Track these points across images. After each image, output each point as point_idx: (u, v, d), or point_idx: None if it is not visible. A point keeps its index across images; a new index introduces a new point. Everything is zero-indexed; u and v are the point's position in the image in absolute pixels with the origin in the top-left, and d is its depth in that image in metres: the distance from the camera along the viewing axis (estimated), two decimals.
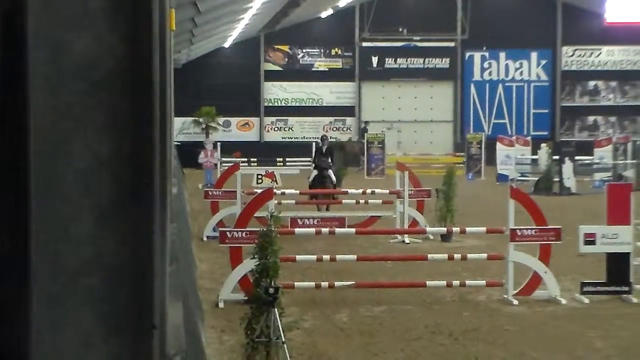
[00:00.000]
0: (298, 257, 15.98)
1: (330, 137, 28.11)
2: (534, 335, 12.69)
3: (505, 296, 14.99)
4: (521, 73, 60.83)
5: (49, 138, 2.36)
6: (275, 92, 59.66)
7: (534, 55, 60.59)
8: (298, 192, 23.60)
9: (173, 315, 5.41)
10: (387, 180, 38.92)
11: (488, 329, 12.98)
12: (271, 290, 10.22)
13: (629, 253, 15.16)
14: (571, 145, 39.83)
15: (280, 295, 10.40)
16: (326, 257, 16.33)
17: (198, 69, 56.06)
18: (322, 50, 59.74)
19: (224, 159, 40.59)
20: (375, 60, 59.93)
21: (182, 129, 55.98)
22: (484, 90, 60.50)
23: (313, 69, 59.75)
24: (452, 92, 60.81)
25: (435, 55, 60.09)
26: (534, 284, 15.13)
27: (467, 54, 60.35)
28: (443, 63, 60.29)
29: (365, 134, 52.07)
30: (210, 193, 23.59)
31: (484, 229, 17.29)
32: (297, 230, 18.63)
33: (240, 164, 26.07)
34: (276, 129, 59.73)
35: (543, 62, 60.68)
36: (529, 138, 45.46)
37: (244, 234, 14.35)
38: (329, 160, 26.93)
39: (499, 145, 43.03)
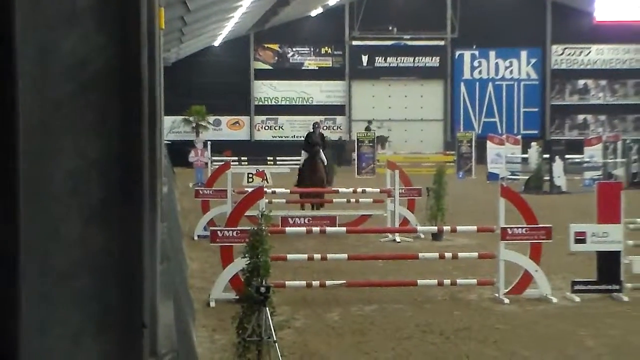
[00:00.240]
0: (289, 256, 15.97)
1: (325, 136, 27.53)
2: (525, 334, 12.70)
3: (496, 295, 14.99)
4: (511, 72, 60.95)
5: (38, 138, 2.35)
6: (266, 90, 59.67)
7: (523, 53, 60.72)
8: (289, 191, 23.58)
9: (164, 315, 5.40)
10: (377, 179, 38.93)
11: (479, 328, 12.97)
12: (262, 290, 10.21)
13: (619, 251, 15.17)
14: (561, 143, 39.87)
15: (271, 294, 10.38)
16: (317, 256, 16.31)
17: (188, 67, 56.05)
18: (312, 49, 59.78)
19: (214, 158, 40.56)
20: (365, 59, 60.00)
21: (172, 127, 55.96)
22: (474, 89, 60.61)
23: (303, 68, 59.78)
24: (442, 90, 60.90)
25: (425, 54, 60.17)
26: (525, 282, 15.14)
27: (457, 53, 60.45)
28: (433, 62, 60.38)
29: (369, 132, 52.50)
30: (200, 192, 23.56)
31: (474, 227, 17.29)
32: (288, 229, 18.62)
33: (231, 163, 26.04)
34: (266, 127, 59.75)
35: (533, 60, 60.82)
36: (519, 137, 45.52)
37: (234, 233, 14.32)
38: (319, 147, 26.35)
39: (489, 144, 43.08)
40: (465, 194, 33.15)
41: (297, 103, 59.41)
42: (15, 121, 2.32)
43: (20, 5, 2.29)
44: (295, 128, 59.18)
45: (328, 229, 18.35)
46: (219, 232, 14.69)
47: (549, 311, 14.27)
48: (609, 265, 15.12)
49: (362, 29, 58.69)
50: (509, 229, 14.97)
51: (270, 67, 59.78)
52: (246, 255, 11.13)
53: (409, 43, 59.89)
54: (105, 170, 2.41)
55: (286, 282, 14.87)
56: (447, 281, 15.46)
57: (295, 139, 55.21)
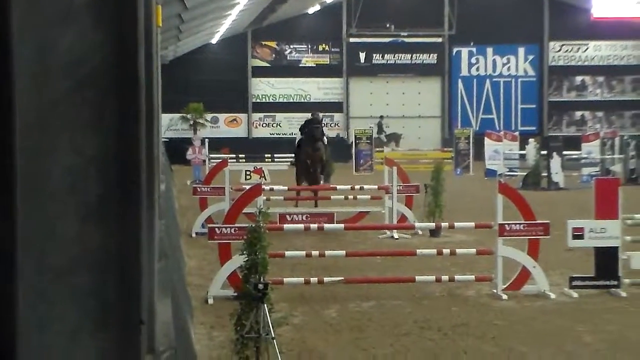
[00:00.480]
0: (287, 253, 15.98)
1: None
2: (523, 330, 12.71)
3: (494, 291, 15.01)
4: (508, 68, 60.93)
5: (35, 135, 2.35)
6: (263, 88, 59.64)
7: (521, 50, 60.70)
8: (286, 188, 23.57)
9: (162, 312, 5.40)
10: (375, 175, 38.94)
11: (477, 324, 12.99)
12: (260, 286, 10.22)
13: (617, 247, 15.19)
14: (559, 140, 39.87)
15: (269, 291, 10.39)
16: (315, 252, 16.32)
17: (185, 65, 56.01)
18: (309, 46, 59.74)
19: (212, 155, 40.53)
20: (362, 56, 59.97)
21: (169, 125, 55.92)
22: (472, 86, 60.59)
23: (300, 65, 59.75)
24: (440, 87, 60.88)
25: (422, 50, 60.15)
26: (523, 278, 15.15)
27: (455, 50, 60.44)
28: (430, 59, 60.36)
29: (383, 128, 52.65)
30: (198, 189, 23.56)
31: (472, 224, 17.30)
32: (285, 226, 18.62)
33: (229, 160, 26.03)
34: (264, 125, 59.71)
35: (530, 57, 60.80)
36: (516, 133, 45.49)
37: (232, 230, 14.33)
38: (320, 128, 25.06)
39: (487, 141, 43.06)
40: (463, 191, 33.16)
41: (294, 100, 59.37)
42: (13, 119, 2.32)
43: (17, 3, 2.29)
44: (293, 125, 59.06)
45: (326, 225, 18.35)
46: (216, 229, 14.70)
47: (547, 307, 14.28)
48: (606, 261, 15.14)
49: (360, 26, 58.66)
50: (506, 225, 14.98)
51: (268, 65, 59.75)
52: (244, 252, 11.13)
53: (407, 40, 59.86)
54: (103, 168, 2.41)
55: (284, 279, 14.89)
56: (445, 277, 15.47)
57: (293, 136, 55.13)
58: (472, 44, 59.93)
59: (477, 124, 58.71)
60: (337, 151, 48.03)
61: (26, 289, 2.37)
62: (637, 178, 38.06)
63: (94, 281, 2.42)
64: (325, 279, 15.20)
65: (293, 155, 24.85)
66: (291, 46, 59.65)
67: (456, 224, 17.47)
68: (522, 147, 42.18)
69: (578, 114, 61.35)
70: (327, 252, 16.34)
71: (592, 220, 15.27)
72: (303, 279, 15.24)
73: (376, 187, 23.84)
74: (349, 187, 23.85)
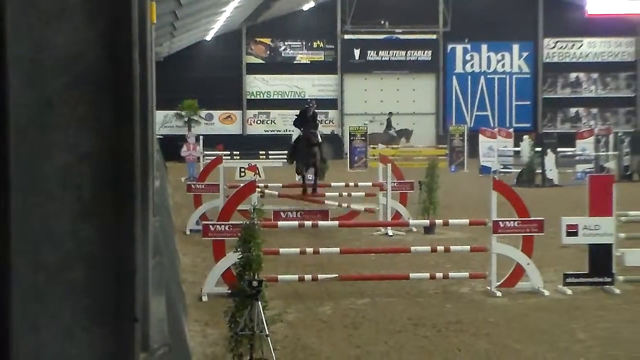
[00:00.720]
0: (281, 250, 15.98)
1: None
2: (517, 327, 12.73)
3: (489, 288, 15.03)
4: (503, 65, 60.95)
5: (29, 133, 2.35)
6: (258, 85, 59.60)
7: (515, 47, 60.72)
8: (281, 185, 23.55)
9: (156, 309, 5.40)
10: (370, 172, 38.95)
11: (471, 321, 13.01)
12: (254, 284, 10.22)
13: (611, 244, 15.22)
14: (553, 137, 39.90)
15: (263, 289, 10.40)
16: (309, 249, 16.33)
17: (180, 62, 55.94)
18: (304, 43, 59.72)
19: (206, 152, 40.52)
20: (357, 52, 59.95)
21: (164, 122, 55.87)
22: (466, 83, 60.62)
23: (295, 62, 59.72)
24: (434, 84, 60.89)
25: (417, 47, 60.14)
26: (517, 275, 15.17)
27: (449, 47, 60.44)
28: (425, 55, 60.36)
29: (392, 125, 52.79)
30: (193, 186, 23.56)
31: (466, 221, 17.33)
32: (280, 223, 18.65)
33: (223, 157, 26.00)
34: (259, 122, 59.69)
35: (525, 54, 60.83)
36: (511, 130, 45.52)
37: (227, 227, 14.33)
38: (315, 126, 23.65)
39: (481, 137, 43.08)
40: (458, 188, 33.18)
41: (289, 97, 59.35)
42: (7, 117, 2.32)
43: (11, 1, 2.29)
44: (287, 122, 59.01)
45: (320, 222, 18.37)
46: (211, 226, 14.70)
47: (540, 304, 14.31)
48: (600, 258, 15.16)
49: (354, 23, 58.66)
50: (501, 222, 15.00)
51: (263, 61, 59.71)
52: (238, 249, 11.14)
53: (401, 37, 59.86)
54: (97, 165, 2.41)
55: (278, 276, 14.89)
56: (439, 274, 15.49)
57: (288, 133, 55.16)
58: (466, 40, 59.95)
59: (472, 120, 58.73)
60: (332, 148, 48.13)
61: (20, 287, 2.37)
62: (631, 175, 38.13)
63: (88, 278, 2.42)
64: (320, 276, 15.20)
65: (287, 153, 24.17)
66: (286, 43, 59.62)
67: (450, 221, 17.49)
68: (516, 144, 42.20)
69: (572, 110, 61.40)
70: (321, 250, 16.35)
71: (586, 217, 15.29)
72: (297, 276, 15.25)
73: (370, 184, 23.84)
74: (343, 184, 23.85)
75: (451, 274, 15.71)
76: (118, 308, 2.45)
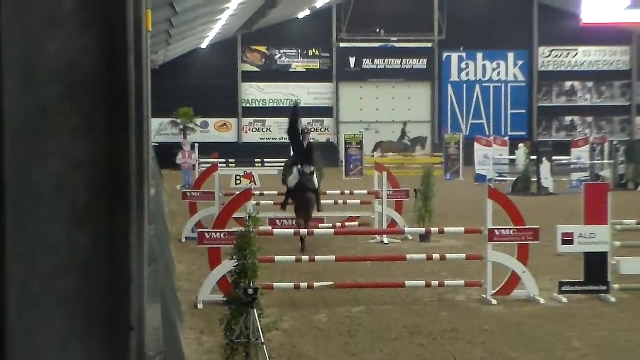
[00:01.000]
0: (277, 257, 15.97)
1: (311, 139, 22.94)
2: (512, 335, 12.73)
3: (484, 296, 15.03)
4: (498, 74, 61.07)
5: (24, 141, 2.34)
6: (253, 93, 59.65)
7: (511, 55, 60.85)
8: (276, 192, 23.53)
9: (152, 317, 5.39)
10: (365, 180, 38.97)
11: (467, 329, 13.00)
12: (250, 291, 10.22)
13: (606, 253, 15.22)
14: (549, 145, 39.98)
15: (259, 296, 10.39)
16: (305, 257, 16.34)
17: (175, 70, 55.98)
18: (299, 51, 59.78)
19: (202, 160, 40.53)
20: (352, 61, 60.04)
21: (159, 130, 55.90)
22: (462, 91, 60.71)
23: (291, 70, 59.79)
24: (430, 92, 60.98)
25: (412, 56, 60.23)
26: (513, 283, 15.17)
27: (445, 55, 60.54)
28: (420, 64, 60.45)
29: (406, 133, 52.84)
30: (188, 194, 23.55)
31: (462, 229, 17.33)
32: (275, 231, 18.62)
33: (219, 165, 26.00)
34: (254, 129, 59.72)
35: (520, 62, 60.96)
36: (506, 138, 45.60)
37: (222, 235, 14.33)
38: (311, 168, 21.01)
39: (477, 146, 43.14)
40: (453, 196, 33.21)
41: (284, 105, 59.37)
42: (1, 124, 2.31)
43: (5, 8, 2.28)
44: (283, 130, 59.05)
45: (316, 230, 18.35)
46: (206, 234, 14.69)
47: (536, 312, 14.31)
48: (596, 266, 15.17)
49: (350, 31, 58.76)
50: (496, 231, 15.01)
51: (258, 69, 59.77)
52: (234, 257, 11.13)
53: (397, 45, 59.96)
54: (92, 173, 2.40)
55: (274, 284, 14.87)
56: (435, 282, 15.49)
57: (283, 141, 55.19)
58: (462, 49, 60.05)
59: (467, 129, 58.82)
60: (327, 156, 48.13)
61: (14, 295, 2.36)
62: (626, 183, 38.19)
63: (83, 286, 2.41)
64: (316, 284, 15.19)
65: (284, 199, 21.70)
66: (281, 51, 59.69)
67: (446, 229, 17.49)
68: (511, 152, 42.25)
69: (568, 119, 61.51)
70: (317, 257, 16.36)
71: (582, 226, 15.29)
72: (293, 284, 15.24)
73: (366, 192, 23.85)
74: (339, 192, 23.86)
75: (447, 282, 15.70)
76: (113, 316, 2.45)
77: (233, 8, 39.01)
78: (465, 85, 60.76)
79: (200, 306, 14.28)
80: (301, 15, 57.73)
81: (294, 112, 23.53)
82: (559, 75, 61.14)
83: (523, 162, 38.17)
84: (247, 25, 54.44)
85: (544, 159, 36.60)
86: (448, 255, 16.57)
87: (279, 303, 14.41)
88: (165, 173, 40.89)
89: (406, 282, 15.50)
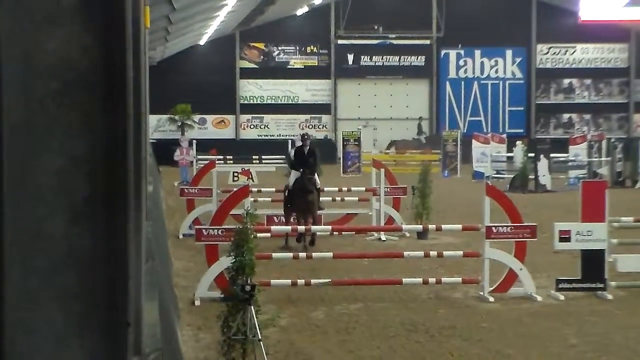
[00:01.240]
0: (274, 254, 15.97)
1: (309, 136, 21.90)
2: (509, 332, 12.74)
3: (481, 293, 15.03)
4: (496, 71, 61.04)
5: (23, 137, 2.35)
6: (251, 89, 59.59)
7: (509, 53, 60.82)
8: (274, 189, 23.53)
9: (149, 313, 5.40)
10: (363, 177, 38.95)
11: (464, 326, 13.01)
12: (247, 288, 10.22)
13: (603, 250, 15.23)
14: (546, 142, 39.94)
15: (256, 293, 10.39)
16: (302, 254, 16.33)
17: (173, 66, 55.91)
18: (297, 48, 59.73)
19: (199, 157, 40.50)
20: (350, 57, 59.99)
21: (157, 126, 55.86)
22: (460, 88, 60.68)
23: (289, 67, 59.74)
24: (428, 89, 60.95)
25: (410, 53, 60.19)
26: (510, 281, 15.18)
27: (443, 52, 60.51)
28: (418, 61, 60.41)
29: (422, 130, 52.86)
30: (186, 191, 23.53)
31: (459, 226, 17.33)
32: (273, 227, 18.61)
33: (216, 162, 25.99)
34: (252, 126, 59.67)
35: (518, 59, 60.93)
36: (504, 135, 45.58)
37: (219, 231, 14.32)
38: (313, 170, 20.75)
39: (474, 143, 43.11)
40: (451, 193, 33.20)
41: (282, 102, 59.37)
42: (0, 120, 2.32)
43: (4, 5, 2.29)
44: (280, 127, 59.16)
45: (313, 227, 18.35)
46: (204, 230, 14.68)
47: (533, 309, 14.31)
48: (593, 264, 15.17)
49: (348, 28, 58.71)
50: (494, 228, 15.01)
51: (256, 66, 59.72)
52: (231, 253, 11.13)
53: (395, 42, 59.92)
54: (90, 169, 2.41)
55: (271, 281, 14.88)
56: (432, 279, 15.49)
57: (281, 137, 55.16)
58: (460, 46, 60.02)
59: (465, 126, 58.80)
60: (325, 153, 48.09)
61: (13, 291, 2.36)
62: (624, 181, 38.20)
63: (81, 283, 2.42)
64: (313, 281, 15.19)
65: (284, 201, 21.14)
66: (279, 48, 59.64)
67: (443, 226, 17.49)
68: (509, 150, 42.25)
69: (565, 116, 61.50)
70: (314, 254, 16.35)
71: (579, 223, 15.30)
72: (290, 280, 15.24)
73: (364, 189, 23.84)
74: (336, 189, 23.86)
75: (444, 279, 15.71)
76: (110, 312, 2.45)
77: (231, 4, 38.98)
78: (463, 82, 60.73)
79: (197, 303, 14.28)
80: (299, 12, 57.69)
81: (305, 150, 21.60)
82: (556, 72, 61.13)
83: (521, 160, 38.17)
84: (245, 22, 54.40)
85: (542, 156, 36.60)
86: (445, 253, 16.57)
87: (276, 300, 14.41)
88: (162, 170, 40.84)
89: (403, 279, 15.51)
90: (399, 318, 13.52)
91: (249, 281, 10.54)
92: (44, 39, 2.34)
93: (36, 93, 2.35)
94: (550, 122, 61.39)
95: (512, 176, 37.75)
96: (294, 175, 20.83)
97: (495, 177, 38.88)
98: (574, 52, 60.94)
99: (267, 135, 58.83)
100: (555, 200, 30.98)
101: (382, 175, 22.49)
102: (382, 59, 60.17)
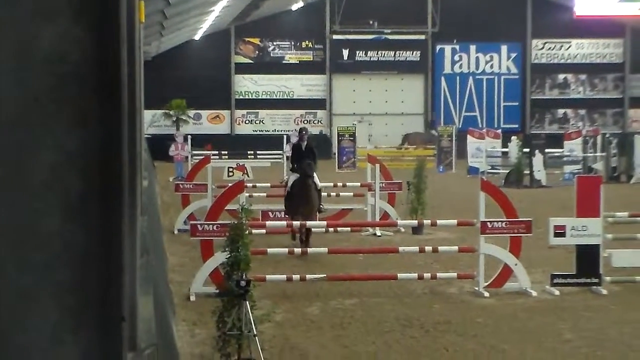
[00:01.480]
0: (269, 250, 15.97)
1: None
2: (504, 327, 12.75)
3: (476, 288, 15.04)
4: (491, 66, 61.10)
5: (16, 132, 2.34)
6: (246, 84, 59.60)
7: (504, 48, 60.87)
8: (269, 185, 23.52)
9: (144, 309, 5.39)
10: (358, 173, 38.95)
11: (459, 322, 13.02)
12: (242, 283, 10.21)
13: (598, 245, 15.25)
14: (541, 137, 40.01)
15: (251, 288, 10.39)
16: (297, 250, 16.33)
17: (168, 61, 55.90)
18: (292, 43, 59.73)
19: (194, 152, 40.50)
20: (346, 53, 60.01)
21: (152, 121, 55.82)
22: (455, 83, 60.73)
23: (284, 62, 59.75)
24: (423, 85, 60.99)
25: (405, 48, 60.22)
26: (505, 276, 15.19)
27: (438, 47, 60.55)
28: (414, 56, 60.44)
29: (435, 125, 53.18)
30: (181, 186, 23.52)
31: (454, 221, 17.34)
32: (268, 223, 18.62)
33: (211, 157, 25.98)
34: (247, 121, 59.68)
35: (513, 55, 60.99)
36: (499, 131, 45.63)
37: (214, 227, 14.32)
38: (312, 163, 19.96)
39: (469, 138, 43.14)
40: (446, 188, 33.22)
41: (278, 97, 59.39)
42: None
43: None
44: (276, 122, 59.18)
45: (309, 222, 18.34)
46: (199, 226, 14.68)
47: (528, 304, 14.33)
48: (588, 259, 15.19)
49: (343, 23, 58.71)
50: (488, 223, 15.02)
51: (251, 61, 59.71)
52: (226, 249, 11.13)
53: (390, 37, 59.94)
54: (84, 164, 2.40)
55: (266, 276, 14.87)
56: (427, 275, 15.50)
57: (276, 133, 55.14)
58: (455, 41, 60.05)
59: (460, 121, 58.85)
60: (320, 148, 48.06)
61: (6, 287, 2.36)
62: (619, 176, 38.24)
63: (75, 278, 2.41)
64: (308, 276, 15.19)
65: (284, 203, 20.45)
66: (274, 43, 59.63)
67: (438, 222, 17.50)
68: (504, 145, 42.29)
69: (560, 111, 61.58)
70: (309, 250, 16.36)
71: (574, 218, 15.32)
72: (285, 276, 15.24)
73: (359, 184, 23.84)
74: (331, 184, 23.84)
75: (439, 275, 15.72)
76: (105, 307, 2.45)
77: (226, 0, 38.97)
78: (458, 77, 60.78)
79: (192, 298, 14.28)
80: (294, 7, 57.69)
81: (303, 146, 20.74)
82: (552, 67, 61.20)
83: (516, 155, 38.20)
84: (240, 17, 54.39)
85: (537, 151, 36.64)
86: (440, 248, 16.58)
87: (272, 295, 14.41)
88: (157, 165, 40.81)
89: (398, 275, 15.51)
90: (394, 313, 13.53)
91: (244, 276, 10.53)
92: (37, 33, 2.33)
93: (29, 87, 2.34)
94: (545, 117, 61.47)
95: (507, 171, 37.80)
96: (293, 177, 20.18)
97: (490, 173, 38.93)
98: (569, 47, 61.00)
99: (262, 131, 58.84)
100: (550, 196, 31.01)
101: (377, 170, 22.49)
102: (377, 54, 60.20)
